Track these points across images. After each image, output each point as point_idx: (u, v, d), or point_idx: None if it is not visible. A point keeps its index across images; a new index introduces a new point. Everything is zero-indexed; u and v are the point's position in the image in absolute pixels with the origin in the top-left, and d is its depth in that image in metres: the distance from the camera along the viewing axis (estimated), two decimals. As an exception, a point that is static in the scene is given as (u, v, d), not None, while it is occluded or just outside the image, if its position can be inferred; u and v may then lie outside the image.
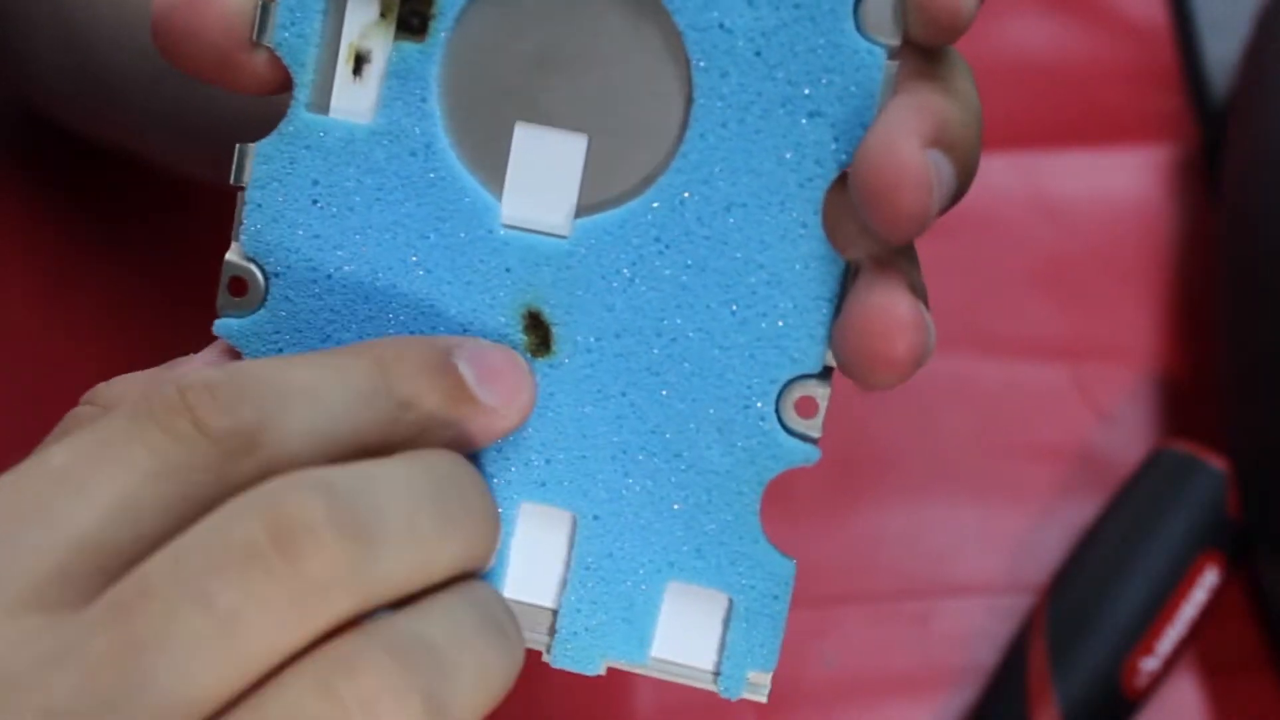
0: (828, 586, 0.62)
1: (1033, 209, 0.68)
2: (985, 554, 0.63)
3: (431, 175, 0.38)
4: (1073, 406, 0.65)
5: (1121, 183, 0.68)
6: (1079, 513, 0.64)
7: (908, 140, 0.35)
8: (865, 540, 0.63)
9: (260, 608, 0.32)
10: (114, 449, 0.34)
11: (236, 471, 0.34)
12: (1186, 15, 0.70)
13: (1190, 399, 0.65)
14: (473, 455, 0.38)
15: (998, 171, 0.67)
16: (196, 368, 0.38)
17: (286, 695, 0.32)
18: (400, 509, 0.34)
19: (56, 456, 0.34)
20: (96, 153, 0.64)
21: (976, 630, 0.63)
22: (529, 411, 0.38)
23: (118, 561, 0.34)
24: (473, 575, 0.36)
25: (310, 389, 0.35)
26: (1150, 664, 0.60)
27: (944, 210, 0.36)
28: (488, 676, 0.34)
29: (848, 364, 0.37)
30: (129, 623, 0.32)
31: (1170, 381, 0.66)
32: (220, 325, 0.39)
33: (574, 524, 0.39)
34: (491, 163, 0.38)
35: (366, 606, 0.34)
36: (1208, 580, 0.61)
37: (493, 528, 0.36)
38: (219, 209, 0.65)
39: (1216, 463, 0.62)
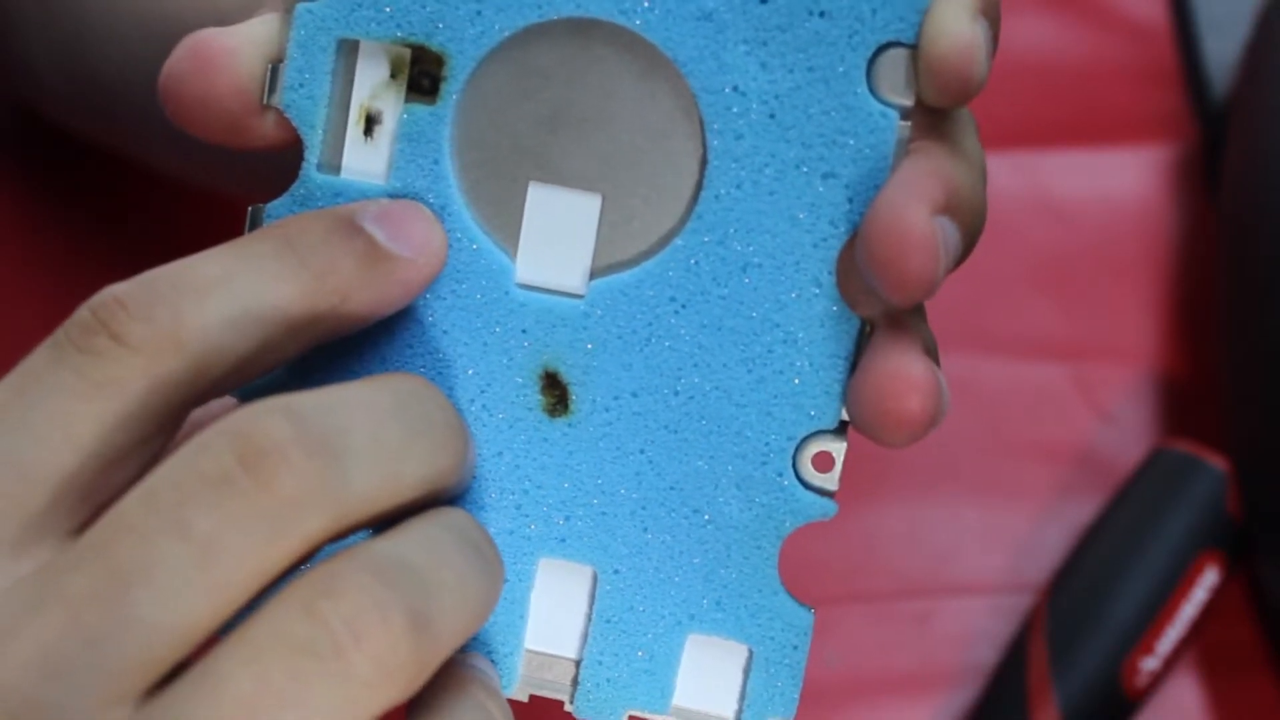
0: (828, 586, 0.62)
1: (1033, 209, 0.68)
2: (985, 554, 0.63)
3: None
4: (1073, 406, 0.65)
5: (1121, 182, 0.68)
6: (1079, 513, 0.64)
7: (916, 208, 0.36)
8: (865, 540, 0.63)
9: (236, 530, 0.33)
10: (41, 380, 0.34)
11: (168, 373, 0.34)
12: (1186, 15, 0.70)
13: (1190, 399, 0.65)
14: (487, 514, 0.39)
15: (998, 171, 0.67)
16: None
17: (272, 620, 0.32)
18: (364, 425, 0.34)
19: None
20: (96, 153, 0.64)
21: (976, 630, 0.63)
22: (444, 255, 0.38)
23: (73, 489, 0.34)
24: (447, 503, 0.36)
25: (222, 278, 0.35)
26: (1150, 664, 0.60)
27: (950, 271, 0.37)
28: (469, 596, 0.35)
29: (862, 424, 0.37)
30: (108, 559, 0.32)
31: (1170, 381, 0.66)
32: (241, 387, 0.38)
33: (594, 578, 0.39)
34: (506, 223, 0.38)
35: (340, 524, 0.34)
36: (1208, 580, 0.61)
37: (458, 441, 0.36)
38: (217, 209, 0.65)
39: (1216, 463, 0.62)
